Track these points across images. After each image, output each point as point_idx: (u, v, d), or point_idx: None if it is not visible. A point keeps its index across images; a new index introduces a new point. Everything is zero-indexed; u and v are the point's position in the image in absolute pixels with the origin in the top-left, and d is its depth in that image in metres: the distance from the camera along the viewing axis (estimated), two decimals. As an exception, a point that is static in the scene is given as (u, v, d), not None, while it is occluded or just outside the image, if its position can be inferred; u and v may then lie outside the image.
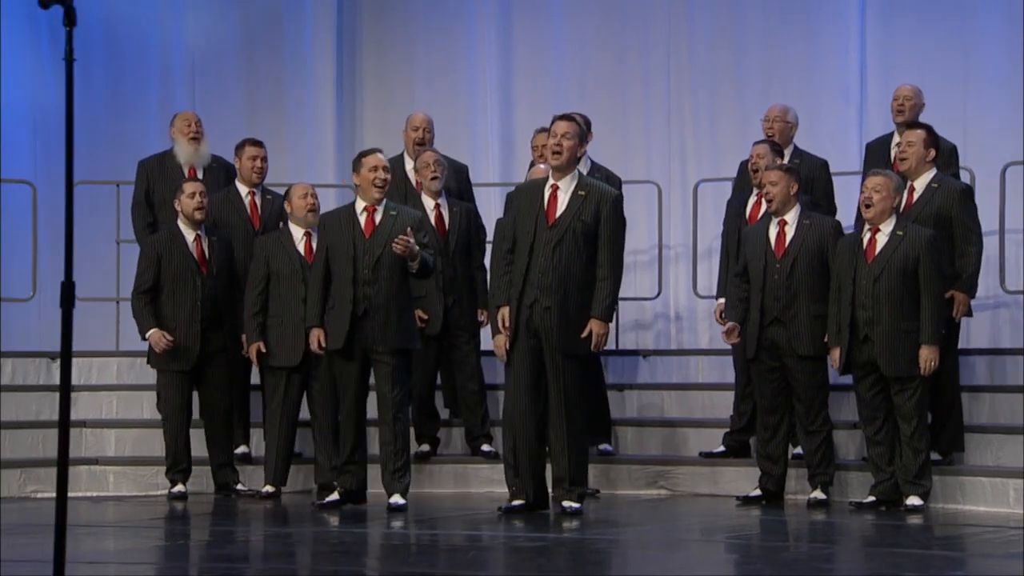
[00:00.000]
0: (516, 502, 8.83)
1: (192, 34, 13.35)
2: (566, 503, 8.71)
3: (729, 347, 10.03)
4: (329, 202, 12.26)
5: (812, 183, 10.18)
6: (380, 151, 9.37)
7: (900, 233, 9.08)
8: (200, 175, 10.67)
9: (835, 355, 9.21)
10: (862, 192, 9.29)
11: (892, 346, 9.01)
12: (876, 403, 9.14)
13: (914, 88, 10.25)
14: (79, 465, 10.29)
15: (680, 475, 10.42)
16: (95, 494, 10.27)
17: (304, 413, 10.09)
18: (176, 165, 10.71)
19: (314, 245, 9.87)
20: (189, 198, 10.00)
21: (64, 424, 5.05)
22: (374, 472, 9.30)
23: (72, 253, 5.04)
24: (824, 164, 10.46)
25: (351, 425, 9.17)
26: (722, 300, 10.28)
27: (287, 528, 8.85)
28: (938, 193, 9.44)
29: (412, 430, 9.89)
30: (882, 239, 9.12)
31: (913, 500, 9.06)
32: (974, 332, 10.84)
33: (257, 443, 10.45)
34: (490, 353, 9.64)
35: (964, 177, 10.33)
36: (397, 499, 9.07)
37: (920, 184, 9.50)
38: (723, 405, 10.62)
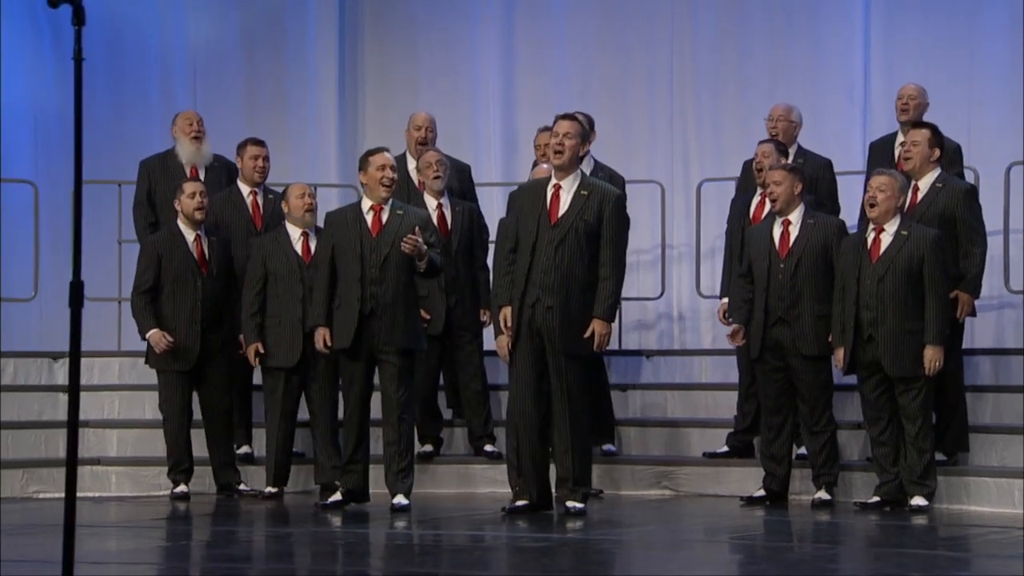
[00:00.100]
0: (520, 502, 8.81)
1: (194, 34, 13.34)
2: (570, 503, 8.69)
3: (732, 347, 10.01)
4: (331, 202, 12.24)
5: (816, 182, 10.15)
6: (387, 150, 9.36)
7: (905, 233, 9.06)
8: (202, 174, 10.66)
9: (839, 355, 9.19)
10: (866, 191, 9.27)
11: (896, 346, 8.99)
12: (880, 403, 9.12)
13: (918, 87, 10.22)
14: (81, 465, 10.26)
15: (684, 475, 10.40)
16: (97, 494, 10.25)
17: (303, 413, 10.06)
18: (178, 164, 10.69)
19: (311, 245, 9.87)
20: (189, 198, 9.98)
21: (73, 424, 5.04)
22: (376, 472, 9.27)
23: (80, 253, 5.01)
24: (828, 163, 10.44)
25: (355, 425, 9.14)
26: (725, 300, 10.27)
27: (290, 528, 8.84)
28: (942, 193, 9.42)
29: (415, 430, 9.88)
30: (886, 239, 9.09)
31: (918, 500, 9.04)
32: (978, 332, 10.82)
33: (259, 443, 10.42)
34: (493, 353, 9.61)
35: (968, 177, 10.30)
36: (400, 499, 9.05)
37: (924, 184, 9.47)
38: (726, 405, 10.60)
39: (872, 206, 9.12)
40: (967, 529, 8.58)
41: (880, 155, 10.25)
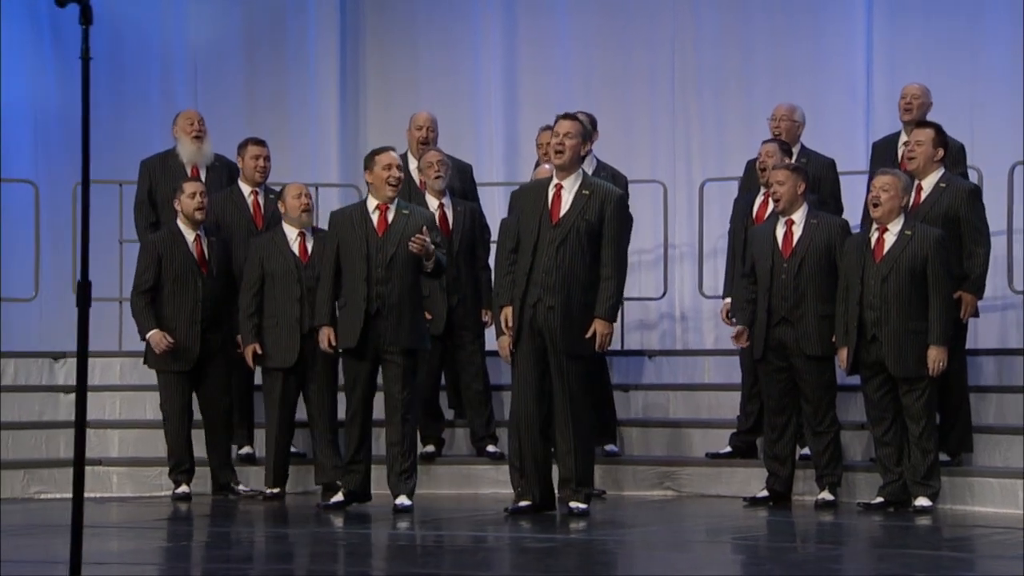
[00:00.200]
0: (522, 503, 8.79)
1: (194, 33, 13.32)
2: (573, 504, 8.67)
3: (734, 347, 9.98)
4: (332, 201, 12.24)
5: (819, 182, 10.13)
6: (393, 149, 9.35)
7: (908, 233, 9.04)
8: (203, 174, 10.64)
9: (842, 355, 9.17)
10: (870, 191, 9.25)
11: (900, 346, 8.97)
12: (884, 404, 9.10)
13: (922, 87, 10.20)
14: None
15: (686, 476, 10.38)
16: (98, 495, 10.21)
17: (302, 413, 10.04)
18: (179, 164, 10.67)
19: (309, 246, 9.86)
20: (189, 198, 9.96)
21: (80, 424, 5.03)
22: (378, 472, 9.24)
23: (88, 252, 4.99)
24: (831, 163, 10.42)
25: (357, 425, 9.11)
26: (728, 300, 10.25)
27: (292, 529, 8.82)
28: (946, 193, 9.40)
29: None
30: (890, 239, 9.07)
31: (922, 501, 9.02)
32: (982, 332, 10.79)
33: (260, 444, 10.40)
34: (495, 353, 9.60)
35: (972, 177, 10.28)
36: (403, 500, 9.02)
37: (928, 184, 9.45)
38: (729, 405, 10.58)
39: (876, 206, 9.09)
40: (971, 530, 8.56)
41: (883, 155, 10.22)
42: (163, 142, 11.14)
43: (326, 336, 9.19)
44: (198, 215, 9.96)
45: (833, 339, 9.26)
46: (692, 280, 12.24)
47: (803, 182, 9.46)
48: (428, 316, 10.05)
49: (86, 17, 4.96)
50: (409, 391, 9.06)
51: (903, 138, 10.02)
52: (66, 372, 11.13)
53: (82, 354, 4.97)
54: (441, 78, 13.29)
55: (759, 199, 10.07)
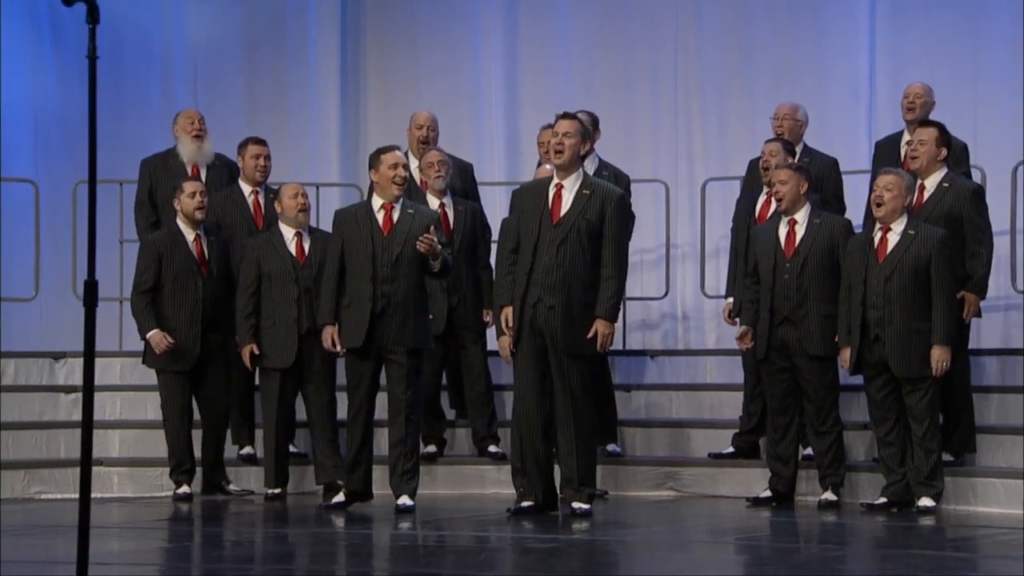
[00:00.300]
0: (525, 503, 8.76)
1: (194, 33, 13.32)
2: (576, 504, 8.65)
3: (737, 346, 9.96)
4: (333, 201, 12.22)
5: (822, 182, 10.12)
6: (398, 148, 9.34)
7: (912, 232, 9.02)
8: (203, 173, 10.63)
9: (845, 355, 9.15)
10: (873, 191, 9.22)
11: (903, 346, 8.94)
12: (887, 404, 9.08)
13: (925, 86, 10.18)
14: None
15: (688, 476, 10.37)
16: (99, 495, 10.18)
17: (301, 413, 10.02)
18: (179, 163, 10.66)
19: (305, 246, 9.85)
20: (189, 197, 9.94)
21: (87, 424, 5.01)
22: (379, 472, 9.22)
23: (95, 251, 4.97)
24: (834, 163, 10.40)
25: (359, 424, 9.08)
26: (730, 300, 10.23)
27: (293, 529, 8.80)
28: (949, 193, 9.37)
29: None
30: (893, 238, 9.05)
31: (925, 501, 8.99)
32: (984, 332, 10.78)
33: (261, 444, 10.37)
34: (497, 354, 9.58)
35: (975, 176, 10.27)
36: (405, 500, 9.00)
37: (931, 183, 9.42)
38: (731, 406, 10.57)
39: (879, 205, 9.07)
40: (974, 530, 8.54)
41: (886, 154, 10.20)
42: (163, 142, 11.13)
43: (330, 335, 9.16)
44: (198, 214, 9.94)
45: (836, 339, 9.23)
46: (694, 280, 12.22)
47: (806, 181, 9.44)
48: (429, 316, 10.04)
49: (93, 16, 4.93)
50: (413, 391, 9.04)
51: (906, 137, 10.00)
52: (66, 372, 11.12)
53: (89, 354, 4.94)
54: (442, 78, 13.28)
55: (762, 198, 10.05)
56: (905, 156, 9.75)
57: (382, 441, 9.34)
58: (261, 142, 10.58)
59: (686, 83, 12.73)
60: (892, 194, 9.04)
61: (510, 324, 8.72)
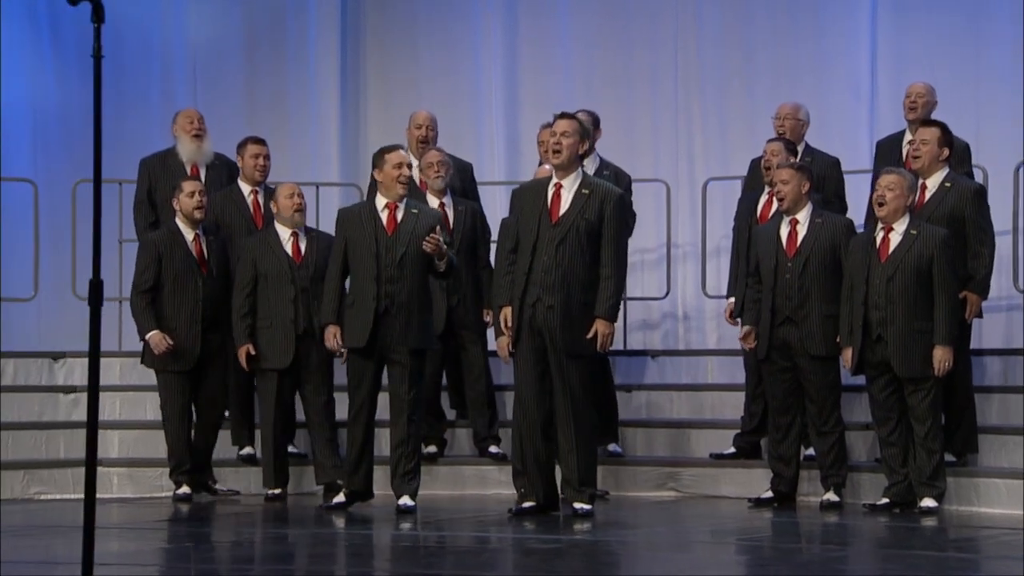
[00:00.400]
0: (526, 504, 8.75)
1: (194, 32, 13.31)
2: (577, 504, 8.64)
3: (738, 346, 9.95)
4: (333, 201, 12.21)
5: (824, 181, 10.11)
6: (402, 147, 9.32)
7: (914, 232, 9.00)
8: (203, 173, 10.62)
9: (847, 355, 9.13)
10: (875, 190, 9.21)
11: (906, 346, 8.93)
12: (889, 404, 9.06)
13: (927, 85, 10.16)
14: (82, 466, 10.17)
15: (690, 476, 10.35)
16: (99, 496, 10.08)
17: (301, 413, 10.00)
18: (179, 163, 10.64)
19: (302, 246, 9.84)
20: (188, 197, 9.91)
21: (92, 425, 5.01)
22: (380, 473, 9.20)
23: (100, 251, 4.96)
24: (836, 162, 10.39)
25: (360, 424, 9.06)
26: (732, 300, 10.21)
27: (293, 530, 8.79)
28: (951, 192, 9.35)
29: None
30: (895, 238, 9.03)
31: (927, 502, 8.98)
32: (986, 332, 10.74)
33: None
34: (496, 354, 9.56)
35: (977, 176, 10.26)
36: (406, 501, 8.98)
37: (933, 183, 9.41)
38: (733, 406, 10.56)
39: (881, 205, 9.05)
40: (977, 531, 8.53)
41: (888, 154, 10.19)
42: (163, 141, 11.11)
43: (332, 335, 9.14)
44: (197, 214, 9.92)
45: (837, 339, 9.22)
46: (695, 280, 12.21)
47: (807, 181, 9.43)
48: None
49: (98, 15, 4.92)
50: (415, 391, 9.02)
51: (908, 137, 9.99)
52: (66, 372, 11.10)
53: (94, 352, 4.93)
54: (441, 78, 13.27)
55: (763, 198, 10.04)
56: (907, 156, 9.73)
57: (383, 441, 9.32)
58: (261, 142, 10.56)
59: (686, 83, 12.72)
60: (894, 194, 9.02)
61: (509, 324, 8.71)
